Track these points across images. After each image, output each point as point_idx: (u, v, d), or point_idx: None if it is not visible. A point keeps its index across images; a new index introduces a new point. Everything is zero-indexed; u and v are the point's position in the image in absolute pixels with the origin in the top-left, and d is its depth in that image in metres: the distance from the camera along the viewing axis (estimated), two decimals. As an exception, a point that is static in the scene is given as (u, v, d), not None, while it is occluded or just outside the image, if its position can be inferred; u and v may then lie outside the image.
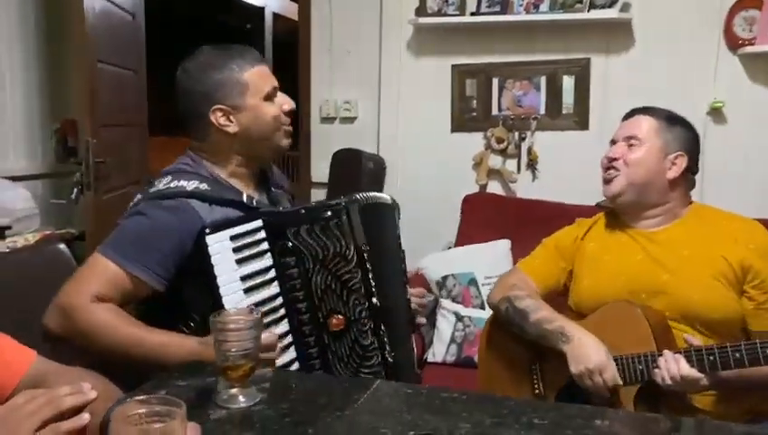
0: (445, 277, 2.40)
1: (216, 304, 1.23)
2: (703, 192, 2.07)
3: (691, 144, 1.62)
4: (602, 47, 2.62)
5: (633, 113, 1.66)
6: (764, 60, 2.45)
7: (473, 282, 2.37)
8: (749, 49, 2.42)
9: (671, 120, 1.62)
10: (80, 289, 1.24)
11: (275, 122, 1.42)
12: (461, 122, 2.81)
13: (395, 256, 1.48)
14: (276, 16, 5.72)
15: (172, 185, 1.35)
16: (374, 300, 1.36)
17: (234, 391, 1.02)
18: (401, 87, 2.86)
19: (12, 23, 2.94)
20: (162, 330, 1.26)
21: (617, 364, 1.43)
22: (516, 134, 2.72)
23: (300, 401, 1.02)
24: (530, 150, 2.72)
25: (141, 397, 0.67)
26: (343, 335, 1.33)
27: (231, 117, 1.39)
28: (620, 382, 1.41)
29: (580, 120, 2.67)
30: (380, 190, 2.90)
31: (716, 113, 2.51)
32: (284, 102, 1.44)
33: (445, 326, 2.29)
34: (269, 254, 1.31)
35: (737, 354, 1.32)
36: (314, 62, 2.97)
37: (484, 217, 2.64)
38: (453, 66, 2.78)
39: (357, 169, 2.76)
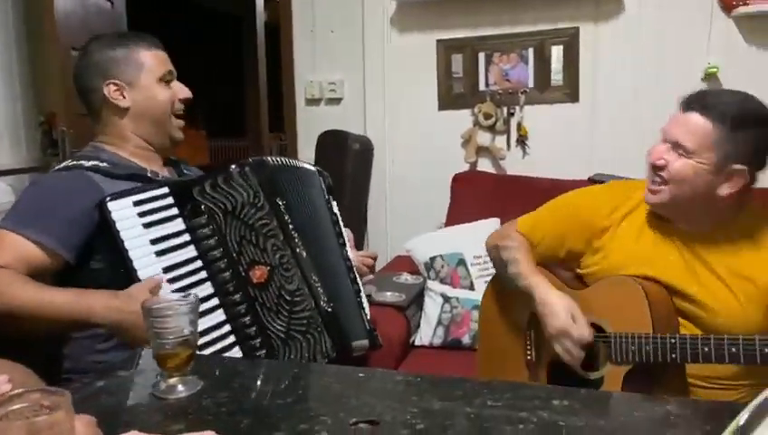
0: (433, 258, 2.33)
1: (130, 272, 1.21)
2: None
3: (760, 148, 1.30)
4: (591, 15, 2.52)
5: (691, 106, 1.30)
6: (760, 20, 2.34)
7: (461, 262, 2.30)
8: (743, 10, 2.31)
9: (740, 122, 1.25)
10: None
11: (167, 106, 1.45)
12: (448, 99, 2.72)
13: (321, 216, 1.48)
14: (268, 1, 5.65)
15: (70, 163, 1.37)
16: (298, 250, 1.36)
17: (172, 380, 0.97)
18: (386, 65, 2.78)
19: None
20: (70, 288, 1.24)
21: (609, 342, 1.36)
22: (505, 109, 2.64)
23: (242, 390, 0.97)
24: (519, 126, 2.63)
25: (21, 390, 0.62)
26: (268, 284, 1.31)
27: (124, 93, 1.41)
28: (587, 340, 1.35)
29: (571, 92, 2.57)
30: (368, 171, 2.85)
31: (712, 79, 2.40)
32: (180, 90, 1.47)
33: (432, 308, 2.23)
34: (180, 219, 1.30)
35: (733, 349, 1.21)
36: (297, 43, 2.90)
37: (474, 195, 2.57)
38: (438, 41, 2.70)
39: (343, 151, 2.69)
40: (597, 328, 1.41)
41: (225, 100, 7.27)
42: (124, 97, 1.42)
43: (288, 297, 1.32)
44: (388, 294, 2.22)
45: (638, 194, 1.47)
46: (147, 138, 1.46)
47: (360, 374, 1.04)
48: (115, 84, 1.41)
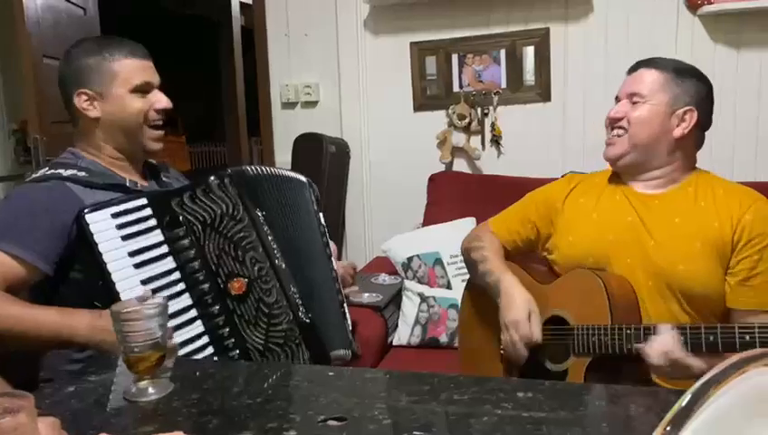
0: (410, 258, 2.35)
1: (108, 284, 1.21)
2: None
3: (703, 97, 1.48)
4: (561, 15, 2.56)
5: (637, 67, 1.53)
6: (724, 19, 2.39)
7: (438, 262, 2.32)
8: (707, 9, 2.36)
9: (680, 71, 1.48)
10: None
11: (140, 116, 1.42)
12: (423, 101, 2.75)
13: (305, 226, 1.47)
14: (244, 6, 5.64)
15: (48, 172, 1.35)
16: (277, 262, 1.35)
17: (143, 383, 0.98)
18: (361, 68, 2.80)
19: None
20: (53, 307, 1.23)
21: (572, 334, 1.39)
22: (479, 110, 2.67)
23: (212, 391, 0.98)
24: (493, 126, 2.66)
25: (-17, 393, 0.63)
26: (247, 297, 1.31)
27: (94, 102, 1.39)
28: (535, 340, 1.41)
29: (543, 91, 2.61)
30: (345, 174, 2.86)
31: (679, 77, 2.45)
32: (157, 100, 1.43)
33: (409, 308, 2.25)
34: (158, 230, 1.29)
35: (711, 338, 1.23)
36: (272, 47, 2.91)
37: (450, 195, 2.59)
38: (412, 44, 2.72)
39: (318, 154, 2.70)
40: (562, 321, 1.44)
41: (204, 105, 7.26)
42: (94, 107, 1.40)
43: (266, 310, 1.32)
44: (365, 295, 2.23)
45: (593, 178, 1.62)
46: (119, 148, 1.44)
47: (330, 373, 1.05)
48: (86, 94, 1.39)
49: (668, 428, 0.53)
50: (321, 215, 1.56)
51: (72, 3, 2.77)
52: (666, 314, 1.40)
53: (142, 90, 1.41)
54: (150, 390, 0.97)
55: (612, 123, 1.51)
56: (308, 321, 1.36)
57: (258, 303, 1.32)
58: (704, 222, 1.40)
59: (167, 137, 1.53)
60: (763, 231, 1.37)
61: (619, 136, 1.49)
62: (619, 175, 1.56)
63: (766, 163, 2.44)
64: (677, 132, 1.45)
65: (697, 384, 0.55)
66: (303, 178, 1.54)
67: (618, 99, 1.53)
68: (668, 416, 0.54)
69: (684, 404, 0.54)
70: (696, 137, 1.50)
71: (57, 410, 0.91)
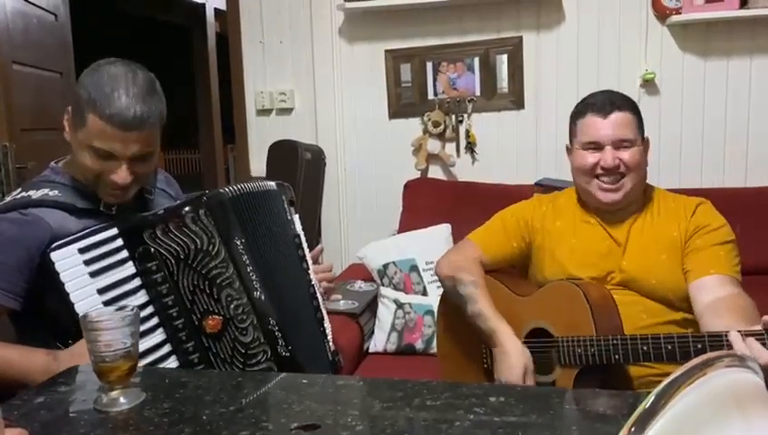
0: (386, 265, 2.36)
1: (77, 323, 1.14)
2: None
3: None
4: (533, 24, 2.60)
5: (608, 110, 1.54)
6: (692, 28, 2.45)
7: (414, 268, 2.33)
8: (676, 18, 2.41)
9: (635, 106, 1.60)
10: None
11: (90, 173, 1.30)
12: (398, 108, 2.76)
13: (284, 243, 1.42)
14: (218, 12, 5.61)
15: (18, 196, 1.29)
16: (256, 294, 1.29)
17: (114, 393, 0.97)
18: (336, 75, 2.80)
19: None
20: (12, 345, 1.20)
21: (557, 346, 1.41)
22: (453, 117, 2.69)
23: (185, 400, 0.97)
24: (468, 133, 2.69)
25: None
26: (222, 336, 1.26)
27: (70, 127, 1.32)
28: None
29: (516, 99, 2.64)
30: (320, 181, 2.86)
31: (649, 84, 2.50)
32: (113, 172, 1.28)
33: (385, 315, 2.25)
34: (130, 262, 1.24)
35: (669, 346, 1.27)
36: (246, 54, 2.90)
37: (425, 202, 2.61)
38: (386, 51, 2.73)
39: (294, 161, 2.70)
40: (544, 332, 1.45)
41: (177, 112, 7.21)
42: (67, 131, 1.32)
43: (242, 350, 1.27)
44: (342, 302, 2.23)
45: (559, 199, 1.70)
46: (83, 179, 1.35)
47: (303, 381, 1.05)
48: (68, 114, 1.31)
49: (632, 428, 0.54)
50: (295, 217, 1.50)
51: (43, 8, 2.73)
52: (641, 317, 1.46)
53: (99, 154, 1.27)
54: (122, 400, 0.96)
55: (609, 172, 1.54)
56: (287, 355, 1.31)
57: (234, 342, 1.27)
58: (665, 234, 1.52)
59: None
60: (706, 223, 1.52)
61: (617, 181, 1.55)
62: (585, 202, 1.63)
63: (734, 169, 2.50)
64: (646, 159, 1.60)
65: (661, 385, 0.56)
66: (274, 186, 1.46)
67: (595, 144, 1.56)
68: (633, 417, 0.55)
69: (647, 405, 0.55)
70: None
71: (26, 421, 0.89)
